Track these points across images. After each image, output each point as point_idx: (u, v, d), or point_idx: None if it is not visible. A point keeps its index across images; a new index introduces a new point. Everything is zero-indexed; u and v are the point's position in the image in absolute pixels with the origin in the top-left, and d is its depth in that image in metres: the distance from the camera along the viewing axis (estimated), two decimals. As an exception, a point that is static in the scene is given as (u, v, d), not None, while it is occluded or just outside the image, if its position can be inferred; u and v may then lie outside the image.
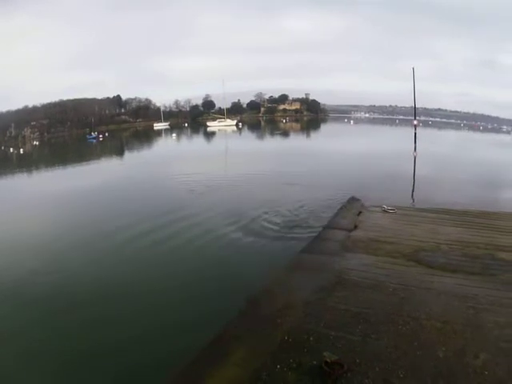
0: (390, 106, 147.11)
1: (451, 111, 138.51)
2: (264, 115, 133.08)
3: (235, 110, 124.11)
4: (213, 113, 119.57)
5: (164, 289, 8.26)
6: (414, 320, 5.18)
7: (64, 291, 8.38)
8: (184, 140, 67.51)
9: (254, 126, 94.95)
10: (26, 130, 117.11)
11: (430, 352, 4.49)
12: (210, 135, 72.32)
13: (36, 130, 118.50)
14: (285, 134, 68.16)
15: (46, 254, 10.87)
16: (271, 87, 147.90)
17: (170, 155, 40.40)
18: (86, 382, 5.58)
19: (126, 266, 9.91)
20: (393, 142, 44.06)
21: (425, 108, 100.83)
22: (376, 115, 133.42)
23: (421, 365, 4.27)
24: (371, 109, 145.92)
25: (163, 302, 7.61)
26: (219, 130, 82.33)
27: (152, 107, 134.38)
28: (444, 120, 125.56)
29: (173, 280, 8.70)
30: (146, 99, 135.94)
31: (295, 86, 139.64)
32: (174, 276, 8.97)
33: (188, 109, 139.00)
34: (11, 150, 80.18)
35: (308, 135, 66.54)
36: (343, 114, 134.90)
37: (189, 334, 6.15)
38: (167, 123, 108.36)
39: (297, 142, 52.33)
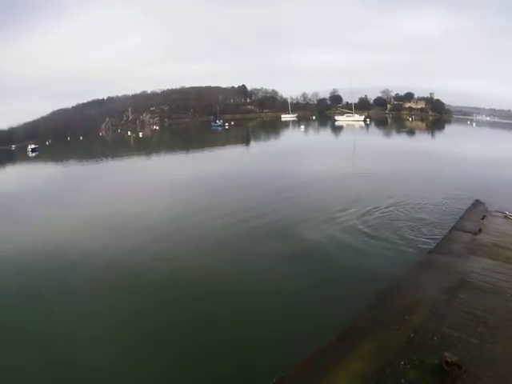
0: (509, 110, 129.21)
1: None
2: (390, 112, 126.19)
3: (362, 106, 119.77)
4: (340, 107, 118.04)
5: (291, 285, 8.38)
6: (528, 328, 5.12)
7: (179, 280, 8.60)
8: (312, 132, 67.33)
9: (381, 123, 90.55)
10: (144, 114, 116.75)
11: (539, 362, 4.44)
12: (337, 129, 71.28)
13: (156, 115, 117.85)
14: (411, 132, 64.57)
15: (167, 240, 11.33)
16: (396, 85, 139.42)
17: (301, 146, 41.87)
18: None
19: (250, 257, 10.02)
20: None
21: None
22: (496, 119, 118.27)
23: (530, 375, 4.23)
24: (491, 112, 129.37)
25: (292, 293, 7.90)
26: (347, 124, 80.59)
27: (278, 98, 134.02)
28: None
29: (300, 276, 8.85)
30: (273, 90, 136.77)
31: (419, 85, 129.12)
32: (302, 271, 9.06)
33: (315, 102, 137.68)
34: (129, 133, 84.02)
35: (433, 135, 61.95)
36: (465, 115, 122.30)
37: (318, 325, 6.24)
38: (295, 115, 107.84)
39: (423, 141, 49.69)
